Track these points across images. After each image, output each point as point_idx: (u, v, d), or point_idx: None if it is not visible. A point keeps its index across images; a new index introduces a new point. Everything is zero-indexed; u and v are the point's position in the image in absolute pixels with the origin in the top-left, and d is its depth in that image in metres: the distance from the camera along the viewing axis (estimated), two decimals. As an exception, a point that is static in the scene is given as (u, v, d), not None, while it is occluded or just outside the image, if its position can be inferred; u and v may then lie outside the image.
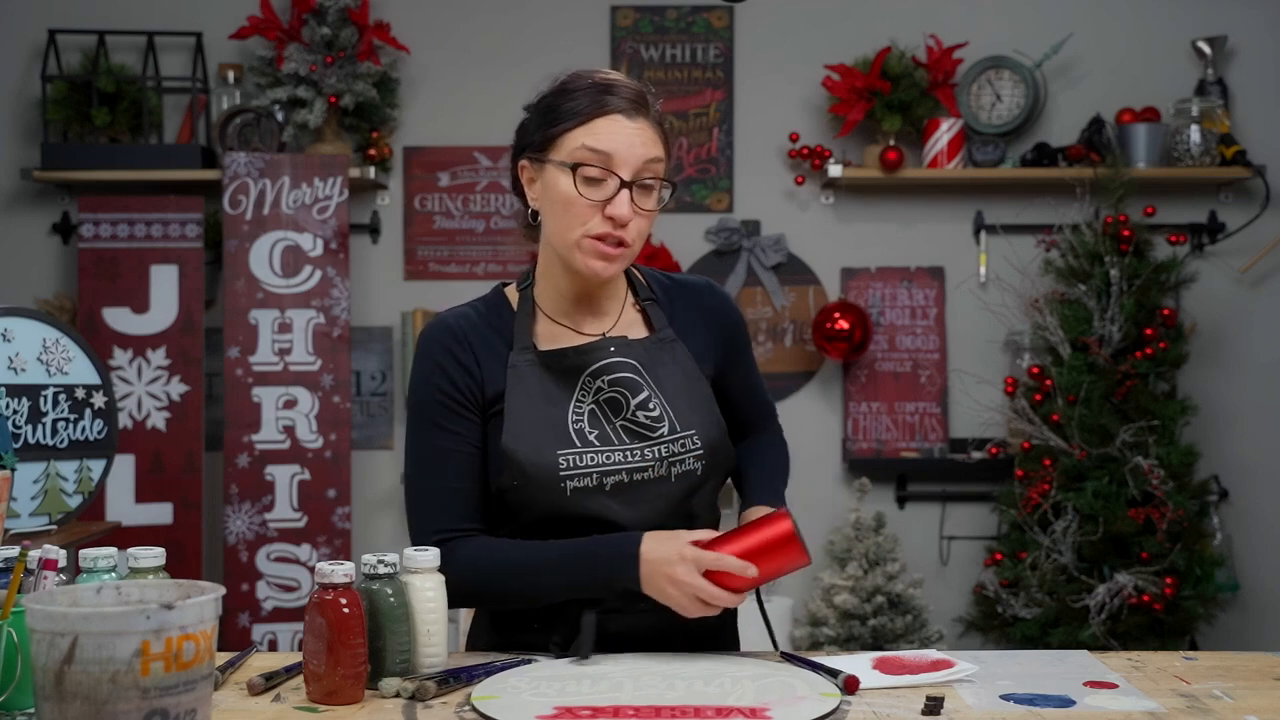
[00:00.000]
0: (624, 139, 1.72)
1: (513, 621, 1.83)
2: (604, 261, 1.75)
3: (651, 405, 1.78)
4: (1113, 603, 3.63)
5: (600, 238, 1.73)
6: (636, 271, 1.92)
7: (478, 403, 1.81)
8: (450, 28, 4.20)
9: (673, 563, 1.67)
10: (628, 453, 1.76)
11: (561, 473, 1.74)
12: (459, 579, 1.71)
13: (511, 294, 1.88)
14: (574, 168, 1.73)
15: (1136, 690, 1.60)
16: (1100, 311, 3.77)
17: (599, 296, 1.85)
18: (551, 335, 1.83)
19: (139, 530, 3.67)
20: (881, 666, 1.69)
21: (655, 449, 1.77)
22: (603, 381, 1.78)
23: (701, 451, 1.79)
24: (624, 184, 1.72)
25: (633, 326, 1.86)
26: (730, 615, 1.89)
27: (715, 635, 1.86)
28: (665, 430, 1.78)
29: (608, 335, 1.82)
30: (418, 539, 1.79)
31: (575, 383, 1.79)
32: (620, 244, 1.74)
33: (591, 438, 1.76)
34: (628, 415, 1.78)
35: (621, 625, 1.77)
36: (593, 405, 1.78)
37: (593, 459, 1.75)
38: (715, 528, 1.88)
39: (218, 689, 1.61)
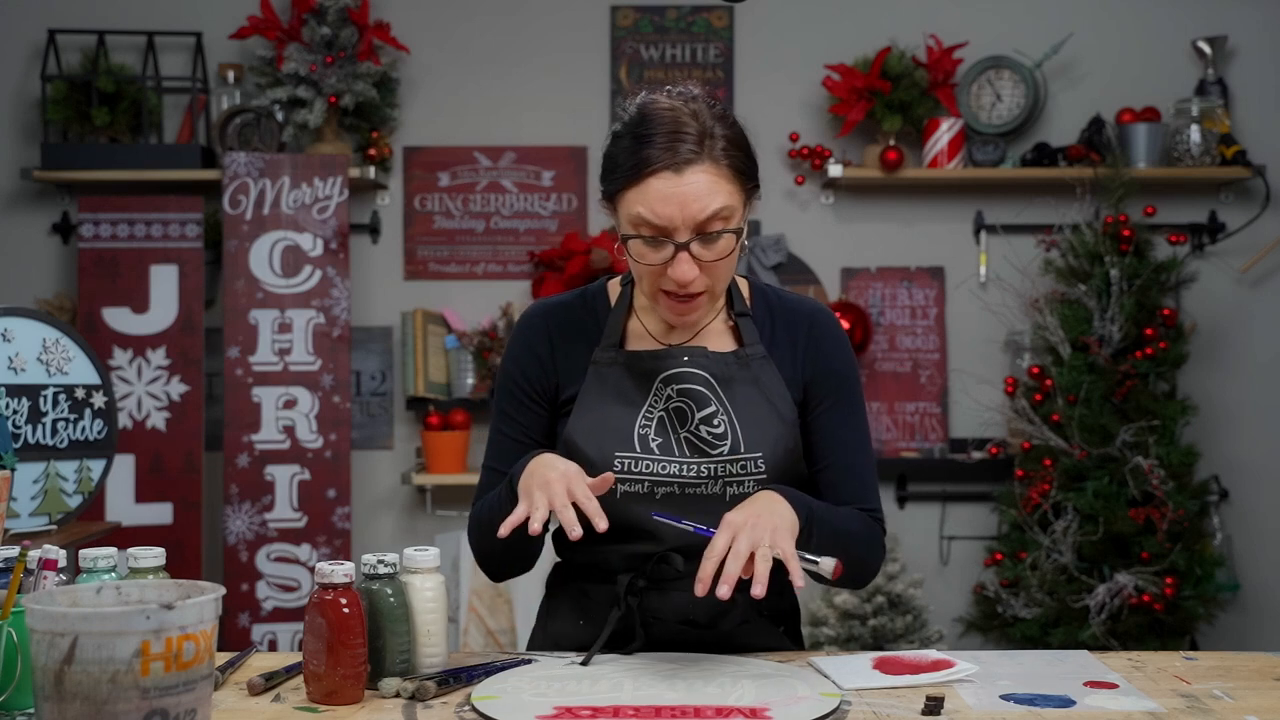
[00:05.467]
0: (674, 203, 1.65)
1: (561, 621, 1.88)
2: (680, 316, 1.74)
3: (716, 422, 1.76)
4: (1113, 603, 3.63)
5: (670, 293, 1.72)
6: (742, 284, 1.87)
7: (546, 397, 1.84)
8: (450, 28, 4.20)
9: (560, 467, 1.65)
10: (684, 465, 1.75)
11: (615, 474, 1.74)
12: (469, 537, 1.86)
13: (613, 288, 1.88)
14: (629, 239, 1.70)
15: (1136, 690, 1.60)
16: (1100, 311, 3.77)
17: None
18: (639, 335, 1.83)
19: (139, 530, 3.67)
20: (881, 666, 1.69)
21: (712, 466, 1.74)
22: (673, 390, 1.77)
23: (764, 475, 1.75)
24: (679, 247, 1.67)
25: (719, 339, 1.82)
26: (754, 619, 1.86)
27: (753, 640, 1.83)
28: (726, 449, 1.75)
29: (685, 345, 1.81)
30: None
31: (650, 387, 1.78)
32: (693, 296, 1.71)
33: (654, 445, 1.76)
34: (691, 428, 1.76)
35: (662, 633, 1.78)
36: (663, 412, 1.77)
37: (648, 466, 1.75)
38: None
39: (218, 689, 1.61)
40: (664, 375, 1.78)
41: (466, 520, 1.95)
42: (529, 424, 1.84)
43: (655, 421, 1.77)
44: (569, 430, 1.78)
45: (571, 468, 1.65)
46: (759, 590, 1.53)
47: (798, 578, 1.55)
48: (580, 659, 1.72)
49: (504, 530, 1.59)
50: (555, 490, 1.60)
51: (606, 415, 1.77)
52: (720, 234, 1.68)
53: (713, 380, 1.78)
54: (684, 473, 1.75)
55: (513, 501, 1.67)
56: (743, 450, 1.75)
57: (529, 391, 1.84)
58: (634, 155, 1.68)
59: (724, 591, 1.54)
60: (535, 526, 1.58)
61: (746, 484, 1.75)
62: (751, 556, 1.56)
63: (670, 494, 1.75)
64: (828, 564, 1.58)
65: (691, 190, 1.66)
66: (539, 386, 1.84)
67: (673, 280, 1.69)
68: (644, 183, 1.67)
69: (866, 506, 1.84)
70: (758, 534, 1.58)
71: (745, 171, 1.72)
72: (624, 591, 1.76)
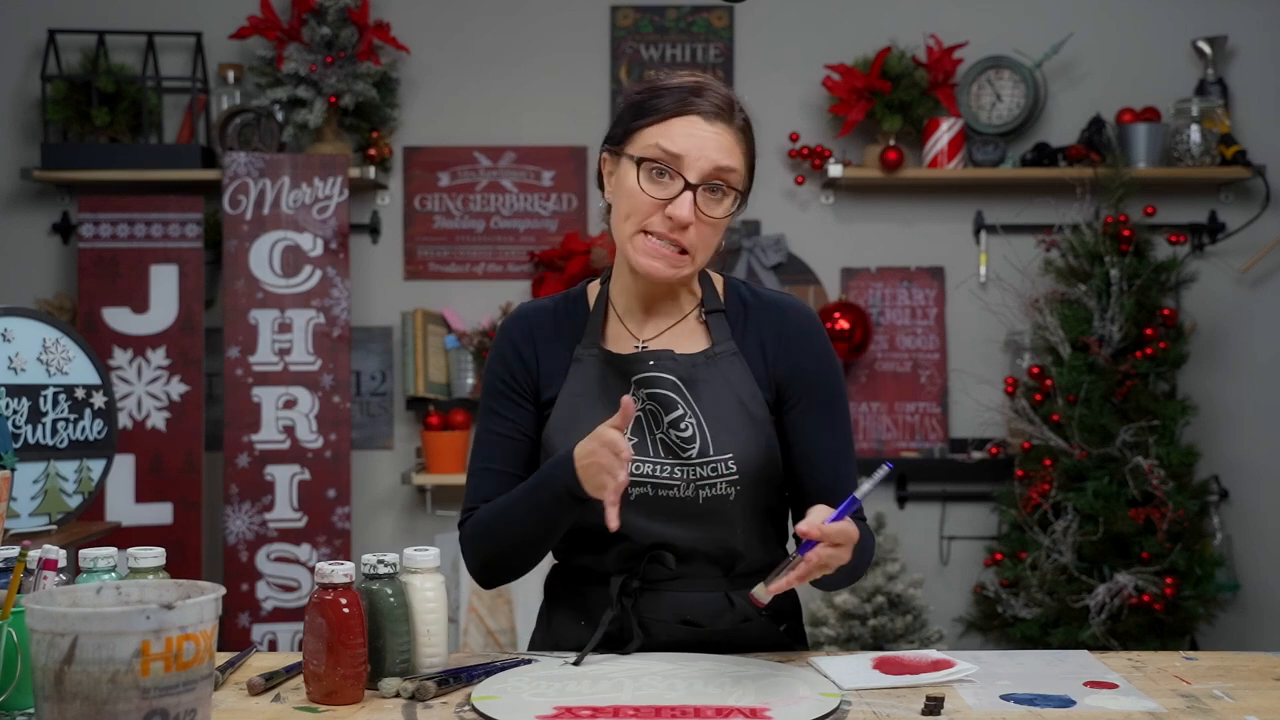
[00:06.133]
0: (696, 141, 1.70)
1: (561, 622, 1.88)
2: (657, 261, 1.72)
3: (684, 425, 1.74)
4: (1113, 603, 3.63)
5: (659, 236, 1.72)
6: (717, 280, 1.87)
7: (531, 393, 1.83)
8: (450, 28, 4.20)
9: (588, 446, 1.65)
10: (657, 467, 1.74)
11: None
12: (468, 543, 1.82)
13: (592, 290, 1.88)
14: (640, 161, 1.72)
15: (1136, 690, 1.60)
16: (1100, 311, 3.77)
17: (663, 300, 1.82)
18: (618, 335, 1.83)
19: (139, 530, 3.67)
20: (881, 666, 1.69)
21: (684, 469, 1.73)
22: (644, 393, 1.77)
23: (736, 476, 1.73)
24: (688, 185, 1.69)
25: (689, 339, 1.81)
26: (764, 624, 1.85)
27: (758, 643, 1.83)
28: (695, 452, 1.73)
29: (651, 348, 1.80)
30: (461, 513, 1.87)
31: (627, 388, 1.78)
32: (680, 250, 1.72)
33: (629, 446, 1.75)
34: (661, 431, 1.76)
35: (663, 634, 1.78)
36: (639, 413, 1.77)
37: None
38: (771, 559, 1.84)
39: (218, 689, 1.61)
40: (636, 378, 1.78)
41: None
42: (519, 420, 1.83)
43: (631, 422, 1.77)
44: (548, 430, 1.78)
45: (602, 450, 1.62)
46: (763, 596, 1.58)
47: (764, 596, 1.57)
48: (574, 659, 1.72)
49: (613, 524, 1.59)
50: (618, 477, 1.60)
51: (584, 415, 1.77)
52: (725, 192, 1.72)
53: (679, 384, 1.76)
54: (657, 474, 1.74)
55: (558, 505, 1.69)
56: (712, 453, 1.73)
57: (516, 388, 1.84)
58: (666, 98, 1.73)
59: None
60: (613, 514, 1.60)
61: (719, 485, 1.74)
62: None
63: (644, 495, 1.74)
64: (764, 594, 1.59)
65: (714, 139, 1.72)
66: (524, 384, 1.84)
67: (668, 219, 1.70)
68: (669, 121, 1.72)
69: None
70: (823, 570, 1.57)
71: (751, 159, 1.78)
72: (617, 593, 1.76)
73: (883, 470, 1.58)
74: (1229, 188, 4.15)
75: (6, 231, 4.16)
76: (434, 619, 1.65)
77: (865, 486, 1.59)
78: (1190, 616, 3.71)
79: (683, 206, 1.69)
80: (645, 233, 1.72)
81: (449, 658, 1.71)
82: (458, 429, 3.99)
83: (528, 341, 1.84)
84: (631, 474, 1.71)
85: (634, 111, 1.76)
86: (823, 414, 1.80)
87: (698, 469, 1.73)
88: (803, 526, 1.55)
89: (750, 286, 1.88)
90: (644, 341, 1.81)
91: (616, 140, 1.77)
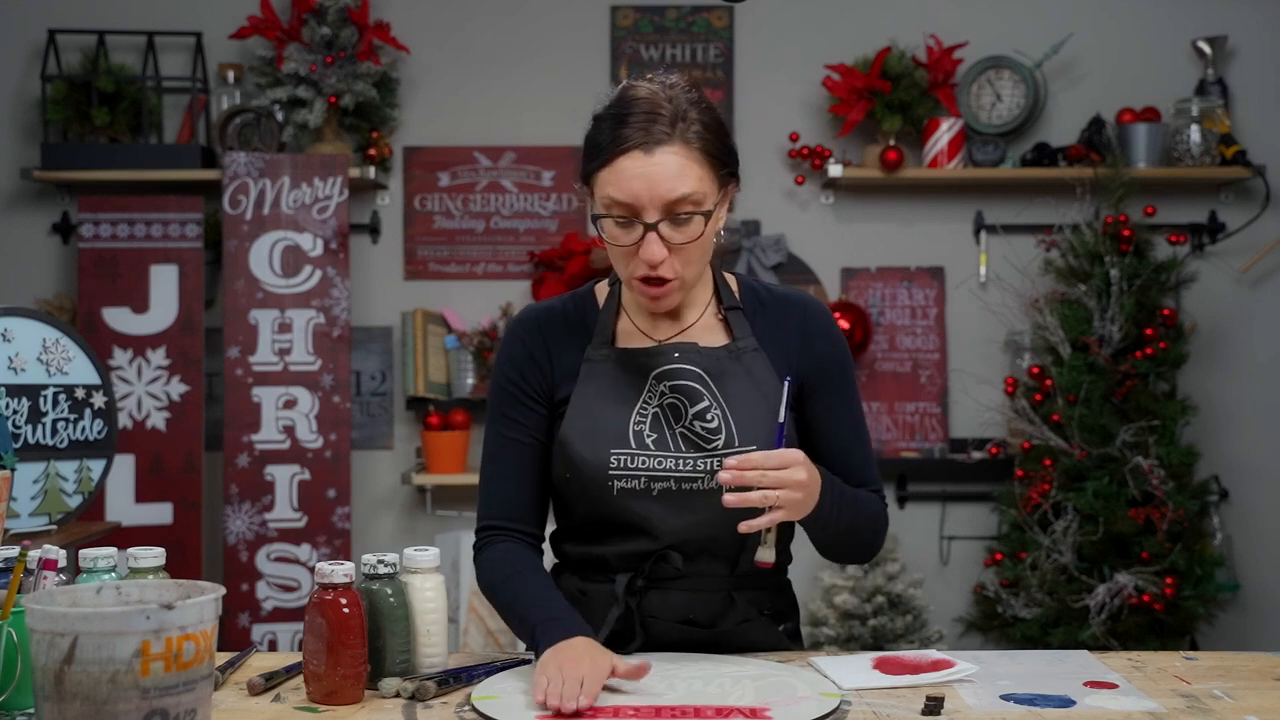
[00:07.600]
0: (643, 182, 1.67)
1: None
2: (652, 300, 1.75)
3: (710, 416, 1.76)
4: (1113, 603, 3.63)
5: (643, 279, 1.72)
6: (731, 278, 1.89)
7: (544, 396, 1.84)
8: (450, 28, 4.20)
9: (575, 654, 1.59)
10: (680, 460, 1.75)
11: (611, 471, 1.75)
12: (479, 577, 1.84)
13: (601, 290, 1.89)
14: (599, 219, 1.72)
15: (1136, 690, 1.60)
16: (1100, 311, 3.77)
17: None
18: (630, 334, 1.84)
19: (139, 530, 3.67)
20: (881, 666, 1.69)
21: (708, 461, 1.74)
22: (666, 386, 1.78)
23: None
24: (648, 228, 1.69)
25: (709, 334, 1.82)
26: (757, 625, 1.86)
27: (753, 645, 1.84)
28: (721, 443, 1.75)
29: (674, 341, 1.81)
30: (476, 524, 1.87)
31: (644, 384, 1.78)
32: (663, 281, 1.72)
33: (649, 441, 1.76)
34: (685, 423, 1.76)
35: (661, 634, 1.79)
36: (657, 409, 1.78)
37: (644, 462, 1.75)
38: (780, 548, 1.85)
39: (218, 689, 1.61)
40: (656, 372, 1.78)
41: (466, 520, 1.95)
42: (531, 424, 1.84)
43: (650, 418, 1.77)
44: (564, 430, 1.78)
45: (599, 670, 1.55)
46: (766, 557, 1.66)
47: (744, 527, 1.63)
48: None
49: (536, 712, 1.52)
50: (568, 686, 1.52)
51: (601, 413, 1.78)
52: (690, 216, 1.69)
53: (705, 375, 1.78)
54: (680, 468, 1.75)
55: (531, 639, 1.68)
56: (737, 444, 1.75)
57: (528, 391, 1.84)
58: (607, 136, 1.72)
59: (724, 477, 1.62)
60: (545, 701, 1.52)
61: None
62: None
63: (667, 489, 1.75)
64: (766, 554, 1.67)
65: (660, 170, 1.68)
66: (537, 387, 1.84)
67: (643, 262, 1.70)
68: (615, 163, 1.69)
69: (872, 488, 1.87)
70: (790, 497, 1.62)
71: (719, 157, 1.73)
72: (622, 591, 1.76)
73: (786, 384, 1.71)
74: (1229, 188, 4.15)
75: (6, 231, 4.16)
76: (434, 619, 1.66)
77: (781, 410, 1.70)
78: (1190, 616, 3.71)
79: (650, 248, 1.69)
80: (633, 277, 1.74)
81: (449, 658, 1.71)
82: (458, 429, 3.99)
83: (539, 343, 1.85)
84: (654, 469, 1.75)
85: (586, 149, 1.75)
86: (840, 404, 1.84)
87: (722, 460, 1.73)
88: (722, 475, 1.62)
89: (763, 284, 1.90)
90: (660, 341, 1.82)
91: (585, 181, 1.77)
